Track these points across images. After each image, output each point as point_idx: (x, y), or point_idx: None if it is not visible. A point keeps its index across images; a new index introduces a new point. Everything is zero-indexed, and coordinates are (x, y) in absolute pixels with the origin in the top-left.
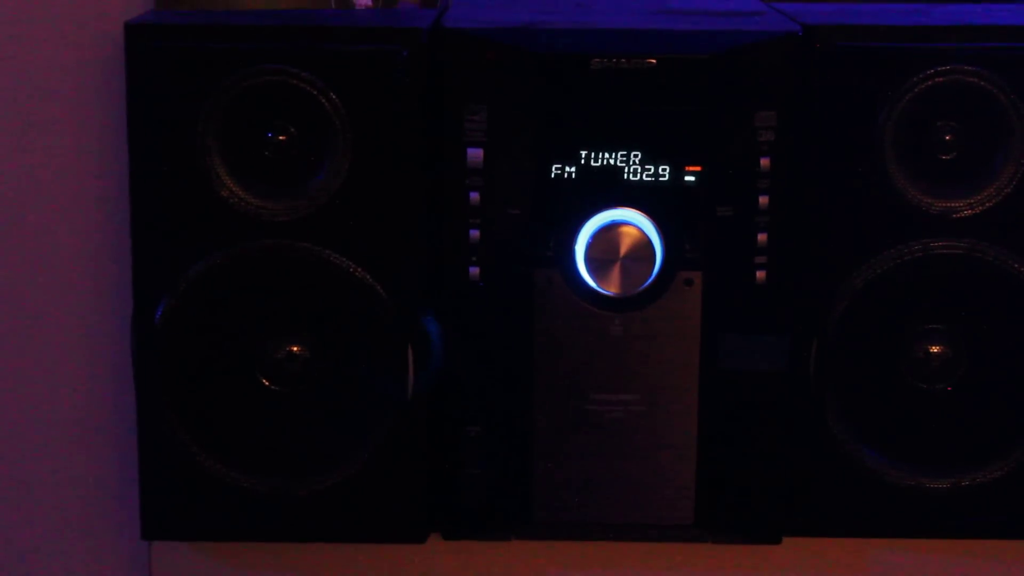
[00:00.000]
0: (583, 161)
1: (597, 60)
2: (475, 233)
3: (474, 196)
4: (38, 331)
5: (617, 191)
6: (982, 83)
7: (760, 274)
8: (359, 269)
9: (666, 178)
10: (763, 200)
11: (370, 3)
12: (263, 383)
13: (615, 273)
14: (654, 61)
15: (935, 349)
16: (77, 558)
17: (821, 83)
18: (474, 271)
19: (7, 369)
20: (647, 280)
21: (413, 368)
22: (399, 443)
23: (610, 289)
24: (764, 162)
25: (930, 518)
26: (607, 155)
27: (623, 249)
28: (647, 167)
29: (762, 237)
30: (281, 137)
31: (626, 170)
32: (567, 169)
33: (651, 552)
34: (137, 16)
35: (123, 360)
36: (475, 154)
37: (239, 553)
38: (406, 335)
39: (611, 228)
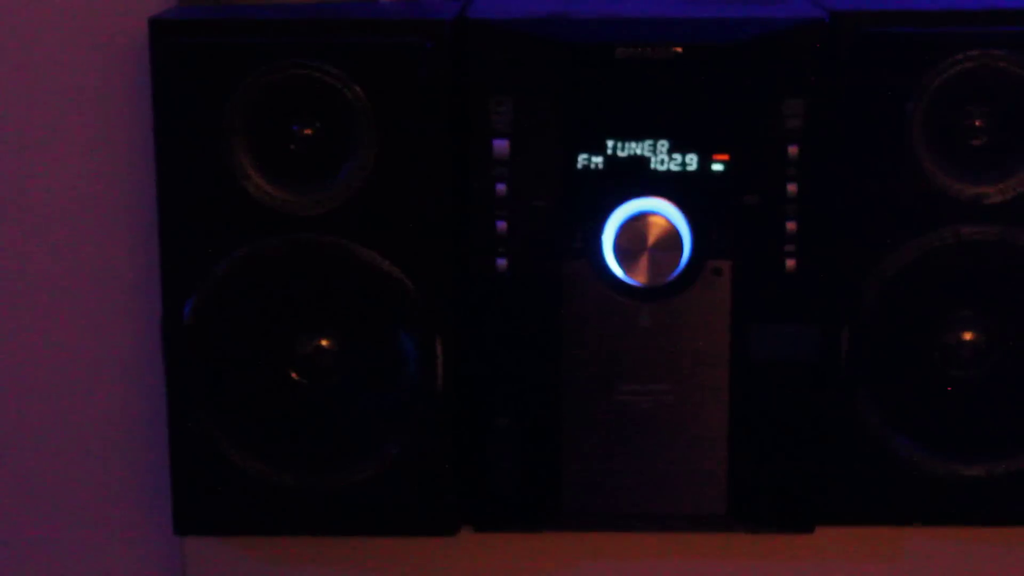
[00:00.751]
0: (610, 151)
1: (622, 49)
2: (502, 225)
3: (500, 188)
4: (68, 329)
5: (644, 181)
6: (1012, 67)
7: (790, 263)
8: (387, 262)
9: (693, 167)
10: (791, 188)
11: None
12: (292, 377)
13: (643, 263)
14: (680, 49)
15: (967, 336)
16: (110, 554)
17: (849, 70)
18: (502, 263)
19: (40, 368)
20: (675, 270)
21: (442, 361)
22: (429, 436)
23: (638, 279)
24: (792, 150)
25: (964, 506)
26: (634, 145)
27: (651, 239)
28: (674, 156)
29: (791, 225)
30: (307, 131)
31: (653, 159)
32: (593, 159)
33: (683, 542)
34: (161, 12)
35: (153, 357)
36: (501, 145)
37: (271, 547)
38: (435, 327)
39: (639, 218)
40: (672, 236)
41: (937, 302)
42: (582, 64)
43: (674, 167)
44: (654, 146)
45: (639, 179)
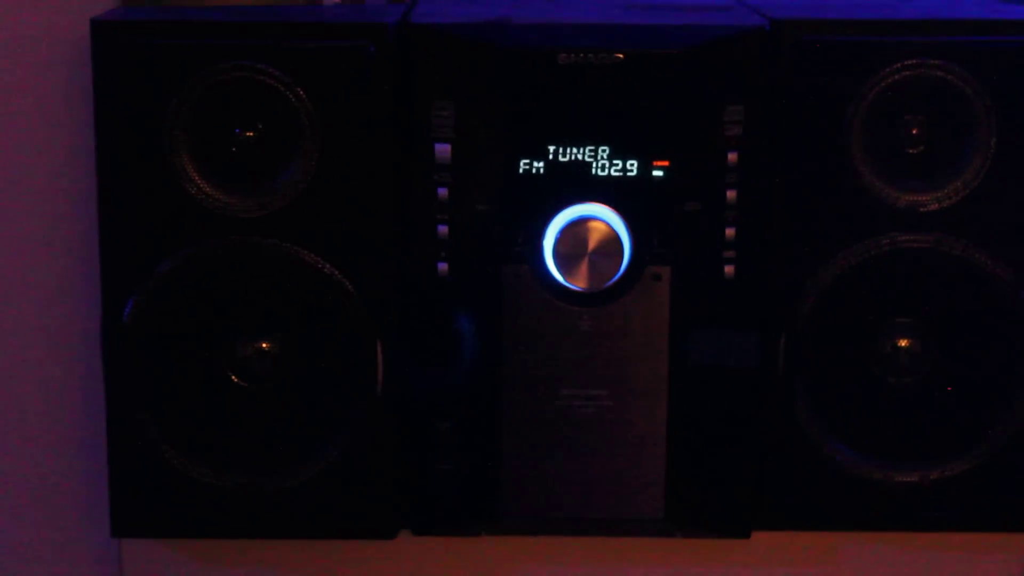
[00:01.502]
0: (551, 156)
1: (565, 55)
2: (443, 229)
3: (442, 192)
4: (6, 330)
5: (585, 186)
6: (948, 77)
7: (728, 269)
8: (328, 265)
9: (634, 173)
10: (731, 195)
11: None
12: (233, 380)
13: (583, 268)
14: (622, 56)
15: (903, 343)
16: (47, 556)
17: (788, 77)
18: (443, 267)
19: None
20: (615, 275)
21: (382, 364)
22: (369, 439)
23: (579, 284)
24: (732, 156)
25: (899, 511)
26: (575, 150)
27: (591, 244)
28: (615, 162)
29: (730, 232)
30: (249, 133)
31: (594, 165)
32: (535, 164)
33: (621, 547)
34: (103, 12)
35: (92, 358)
36: (443, 150)
37: (209, 550)
38: (375, 331)
39: (579, 223)
40: (612, 241)
41: (873, 309)
42: (524, 69)
43: (615, 173)
44: (595, 152)
45: (580, 184)
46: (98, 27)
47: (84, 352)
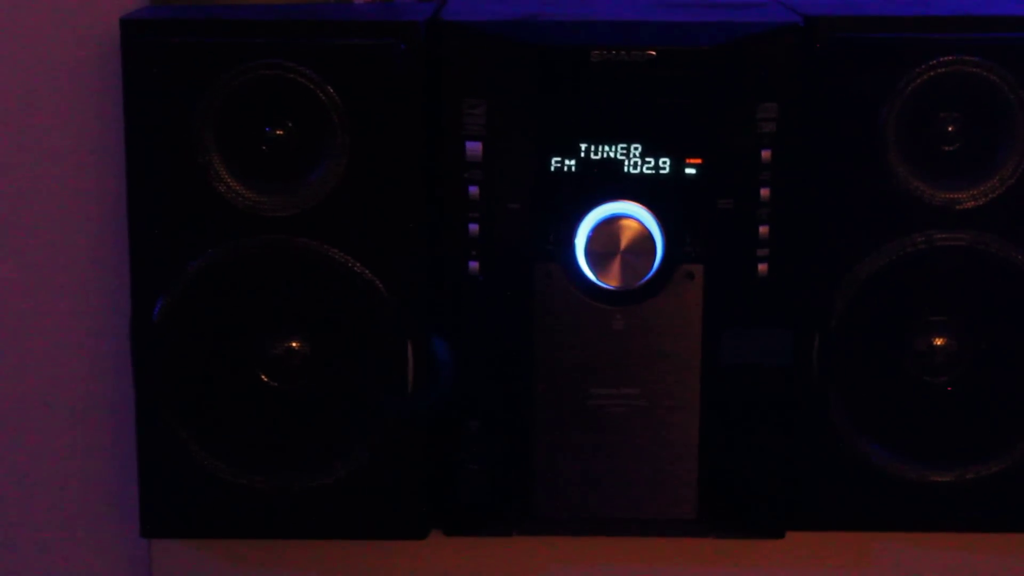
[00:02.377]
0: (583, 154)
1: (597, 52)
2: (475, 227)
3: (473, 190)
4: (36, 329)
5: (617, 184)
6: (985, 73)
7: (762, 267)
8: (358, 264)
9: (667, 171)
10: (764, 192)
11: None
12: (262, 379)
13: (616, 267)
14: (654, 53)
15: (939, 342)
16: (77, 556)
17: (823, 74)
18: (474, 265)
19: (6, 368)
20: (648, 274)
21: (413, 364)
22: (399, 439)
23: (611, 283)
24: (765, 154)
25: (934, 511)
26: (607, 148)
27: (623, 242)
28: (647, 160)
29: (764, 230)
30: (279, 132)
31: (626, 163)
32: (567, 162)
33: (653, 547)
34: (132, 11)
35: (122, 358)
36: (474, 148)
37: (239, 550)
38: (406, 330)
39: (611, 221)
40: (645, 240)
41: (909, 307)
42: (556, 67)
43: (647, 171)
44: (627, 149)
45: (612, 182)
46: (128, 26)
47: (114, 352)
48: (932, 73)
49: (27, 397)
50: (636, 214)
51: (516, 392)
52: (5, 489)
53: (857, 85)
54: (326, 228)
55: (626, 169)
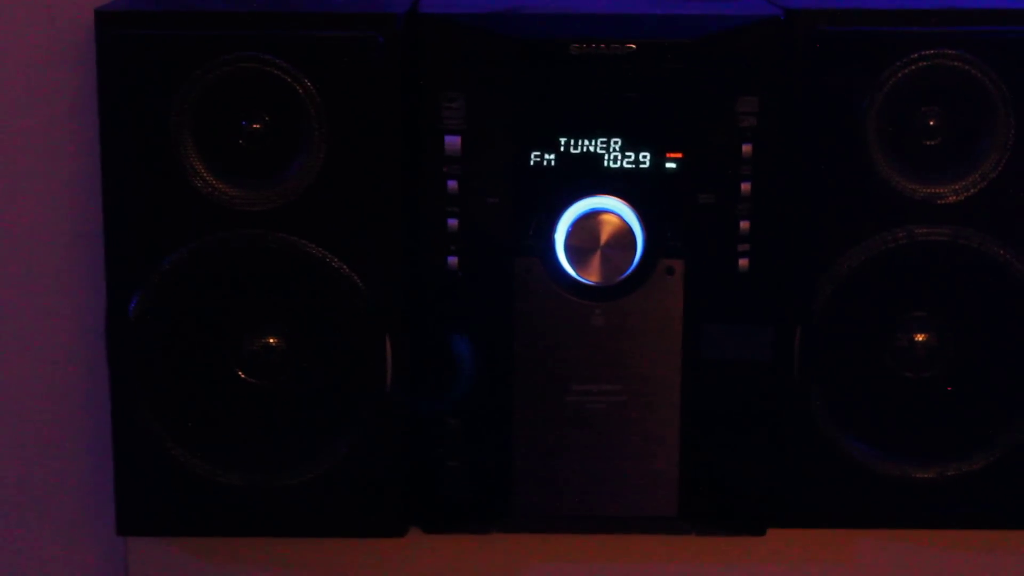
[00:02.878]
0: (562, 148)
1: (576, 45)
2: (453, 222)
3: (452, 184)
4: (9, 326)
5: (597, 178)
6: (966, 67)
7: (743, 262)
8: (336, 259)
9: (647, 165)
10: (745, 187)
11: None
12: (239, 376)
13: (595, 262)
14: (634, 46)
15: (920, 337)
16: (52, 554)
17: (803, 68)
18: (453, 260)
19: None
20: (628, 269)
21: (391, 359)
22: (378, 436)
23: (591, 278)
24: (746, 148)
25: (916, 508)
26: (587, 142)
27: (603, 237)
28: (627, 154)
29: (744, 224)
30: (255, 125)
31: (606, 157)
32: (546, 156)
33: (634, 544)
34: (107, 3)
35: (97, 354)
36: (453, 142)
37: (216, 548)
38: (384, 326)
39: (591, 216)
40: (625, 234)
41: (890, 302)
42: (536, 60)
43: (627, 165)
44: (607, 143)
45: (592, 177)
46: (103, 17)
47: (89, 348)
48: (913, 67)
49: (1, 395)
50: (616, 209)
51: (495, 388)
52: None
53: (838, 79)
54: (303, 223)
55: (606, 163)
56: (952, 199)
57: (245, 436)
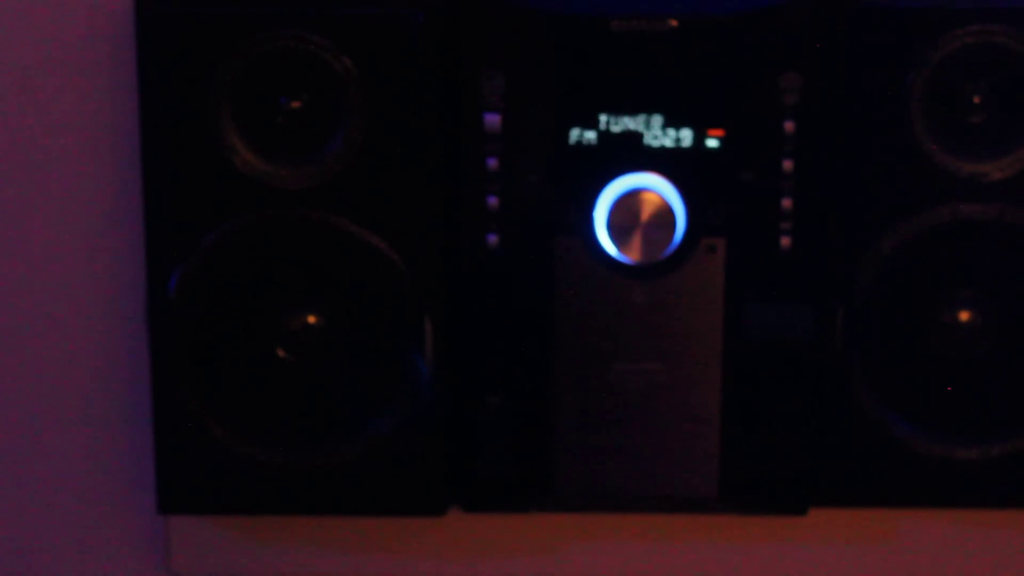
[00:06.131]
0: (603, 126)
1: (617, 22)
2: (493, 200)
3: (492, 162)
4: (53, 305)
5: (638, 156)
6: (1011, 43)
7: (784, 240)
8: (376, 237)
9: (688, 143)
10: (787, 164)
11: None
12: (279, 354)
13: (636, 240)
14: (676, 23)
15: (964, 316)
16: (93, 532)
17: (847, 44)
18: (492, 239)
19: (22, 344)
20: (669, 247)
21: (431, 338)
22: (418, 414)
23: (631, 256)
24: (788, 125)
25: (959, 488)
26: (627, 120)
27: (644, 215)
28: (668, 131)
29: (786, 202)
30: (295, 103)
31: (647, 135)
32: (586, 134)
33: (674, 524)
34: None
35: (137, 332)
36: (492, 119)
37: (256, 526)
38: (424, 305)
39: (632, 194)
40: (665, 213)
41: (934, 281)
42: (576, 37)
43: (668, 143)
44: (648, 121)
45: (633, 155)
46: None
47: (130, 327)
48: (958, 43)
49: (42, 373)
50: (657, 187)
51: (536, 367)
52: (22, 467)
53: (882, 55)
54: (343, 201)
55: (647, 141)
56: (998, 176)
57: (285, 415)
